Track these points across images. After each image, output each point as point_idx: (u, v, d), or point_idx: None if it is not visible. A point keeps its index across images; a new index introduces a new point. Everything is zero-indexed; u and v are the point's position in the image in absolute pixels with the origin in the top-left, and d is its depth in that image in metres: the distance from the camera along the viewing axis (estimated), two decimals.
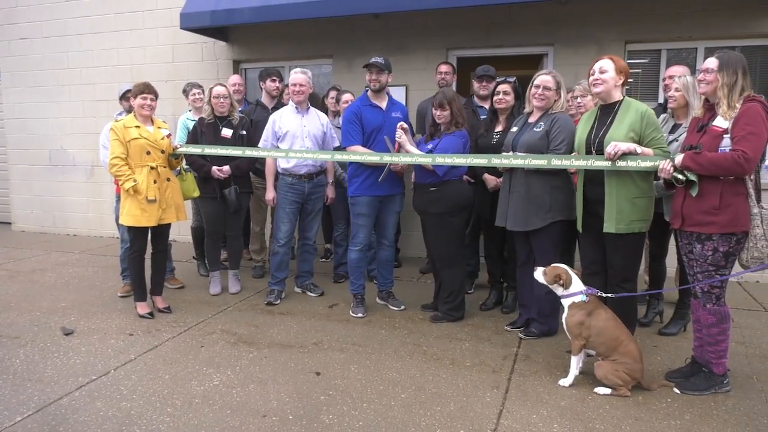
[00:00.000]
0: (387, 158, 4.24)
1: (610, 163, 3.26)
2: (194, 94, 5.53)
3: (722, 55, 2.97)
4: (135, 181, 4.28)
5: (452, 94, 4.25)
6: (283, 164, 4.83)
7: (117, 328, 4.28)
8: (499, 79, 4.48)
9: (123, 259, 5.11)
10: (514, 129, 4.04)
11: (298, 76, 4.75)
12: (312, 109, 4.94)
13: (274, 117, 4.86)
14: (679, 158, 3.01)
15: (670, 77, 4.07)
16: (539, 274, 3.44)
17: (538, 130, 3.83)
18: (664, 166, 3.06)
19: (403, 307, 4.73)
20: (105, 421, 2.93)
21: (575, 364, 3.31)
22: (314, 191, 4.94)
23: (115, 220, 5.01)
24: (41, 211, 8.39)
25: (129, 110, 5.03)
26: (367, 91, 4.52)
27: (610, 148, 3.23)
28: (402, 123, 4.28)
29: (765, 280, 5.47)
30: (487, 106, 4.93)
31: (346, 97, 5.49)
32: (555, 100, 3.86)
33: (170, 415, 3.00)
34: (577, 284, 3.34)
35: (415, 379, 3.43)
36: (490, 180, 4.44)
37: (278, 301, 4.89)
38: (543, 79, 3.85)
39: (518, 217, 3.90)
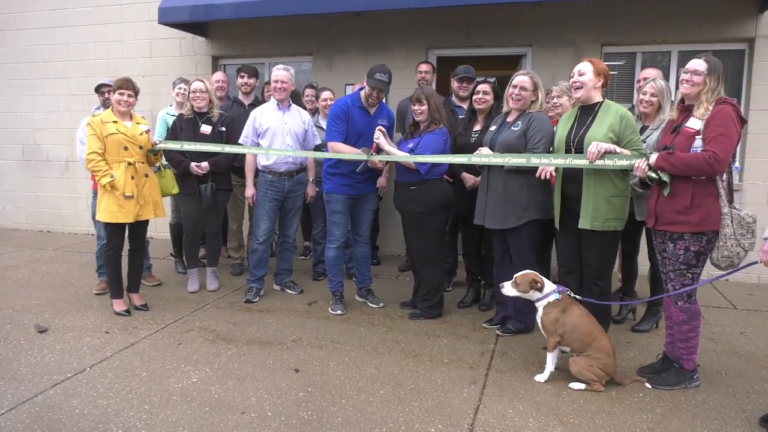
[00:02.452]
0: (373, 158, 4.25)
1: (587, 161, 3.33)
2: (180, 89, 5.45)
3: (710, 59, 3.03)
4: (112, 176, 4.23)
5: (430, 91, 4.30)
6: (263, 161, 4.81)
7: (93, 326, 4.23)
8: (479, 79, 4.52)
9: (99, 256, 5.04)
10: (493, 128, 4.09)
11: (280, 72, 4.73)
12: (293, 107, 4.93)
13: (254, 113, 4.84)
14: (653, 158, 3.09)
15: (645, 79, 4.16)
16: (509, 288, 3.46)
17: (516, 129, 3.88)
18: (640, 165, 3.14)
19: (382, 305, 4.75)
20: (81, 419, 2.90)
21: (551, 360, 3.37)
22: (294, 189, 4.93)
23: (92, 217, 4.96)
24: (14, 207, 8.22)
25: (104, 104, 4.98)
26: (361, 89, 4.46)
27: (593, 147, 3.28)
28: (380, 127, 4.31)
29: (734, 278, 5.61)
30: (465, 106, 4.97)
31: (326, 94, 5.49)
32: (532, 101, 3.92)
33: (147, 412, 2.98)
34: (548, 285, 3.41)
35: (394, 375, 3.46)
36: (468, 178, 4.49)
37: (257, 299, 4.88)
38: (520, 79, 3.90)
39: (495, 215, 3.95)
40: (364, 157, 4.27)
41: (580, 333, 3.28)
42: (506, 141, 3.88)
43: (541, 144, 3.77)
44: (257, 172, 4.92)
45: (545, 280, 3.42)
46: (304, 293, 5.11)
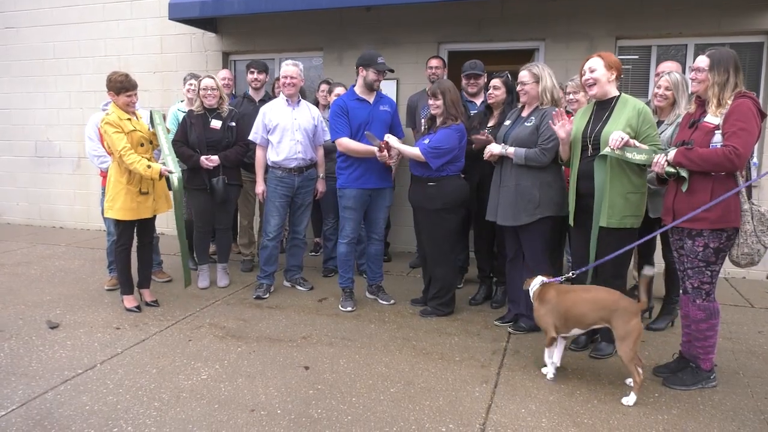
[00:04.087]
0: (383, 153, 4.26)
1: (609, 149, 3.20)
2: (190, 85, 5.42)
3: (713, 54, 2.96)
4: (148, 160, 4.26)
5: (447, 85, 4.22)
6: (273, 157, 4.80)
7: (103, 322, 4.24)
8: (497, 74, 4.44)
9: (110, 252, 5.06)
10: (507, 123, 4.05)
11: (289, 68, 4.71)
12: (303, 102, 4.91)
13: (264, 110, 4.82)
14: (671, 153, 3.02)
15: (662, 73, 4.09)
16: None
17: (529, 125, 3.84)
18: (658, 160, 3.06)
19: (392, 302, 4.72)
20: (91, 415, 2.90)
21: (547, 355, 3.35)
22: (304, 185, 4.91)
23: (101, 213, 4.96)
24: (27, 204, 8.28)
25: None
26: (354, 85, 4.48)
27: (615, 135, 3.18)
28: (388, 134, 4.32)
29: (751, 276, 5.52)
30: (477, 101, 4.91)
31: (339, 90, 5.44)
32: (545, 94, 3.83)
33: (157, 409, 2.97)
34: (537, 279, 3.42)
35: (405, 373, 3.42)
36: (479, 139, 4.21)
37: (267, 295, 4.86)
38: (520, 75, 3.90)
39: (507, 212, 3.90)
40: (375, 149, 4.25)
41: (589, 304, 3.16)
42: (519, 136, 3.83)
43: (551, 141, 3.70)
44: (267, 169, 4.90)
45: (538, 278, 3.42)
46: (314, 290, 5.09)
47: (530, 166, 3.78)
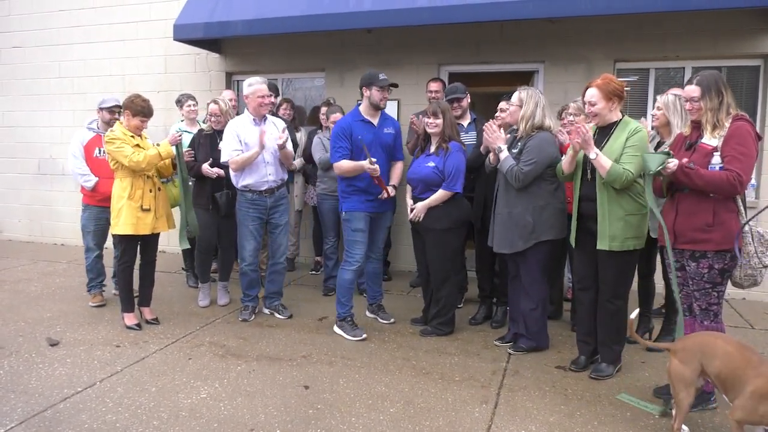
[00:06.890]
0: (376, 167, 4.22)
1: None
2: (189, 106, 5.53)
3: (701, 80, 2.98)
4: (157, 144, 4.40)
5: (446, 106, 4.30)
6: (243, 180, 4.61)
7: (104, 340, 4.24)
8: (506, 96, 4.48)
9: (90, 269, 5.08)
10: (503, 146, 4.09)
11: (263, 87, 4.55)
12: (269, 119, 4.75)
13: (233, 128, 4.57)
14: (673, 164, 2.97)
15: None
16: None
17: (515, 150, 3.90)
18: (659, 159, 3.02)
19: (392, 321, 4.72)
20: None
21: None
22: (277, 204, 4.75)
23: (81, 229, 5.01)
24: (28, 220, 8.31)
25: (107, 122, 4.99)
26: (359, 105, 4.50)
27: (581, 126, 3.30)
28: (375, 163, 4.23)
29: (751, 297, 5.52)
30: (464, 122, 4.95)
31: (334, 117, 5.36)
32: (533, 117, 3.85)
33: (156, 428, 2.96)
34: None
35: (404, 393, 3.42)
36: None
37: (252, 317, 4.78)
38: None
39: (503, 238, 3.92)
40: (367, 164, 4.21)
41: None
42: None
43: (530, 165, 3.73)
44: (236, 192, 4.76)
45: None
46: (310, 311, 5.04)
47: (523, 192, 3.82)
